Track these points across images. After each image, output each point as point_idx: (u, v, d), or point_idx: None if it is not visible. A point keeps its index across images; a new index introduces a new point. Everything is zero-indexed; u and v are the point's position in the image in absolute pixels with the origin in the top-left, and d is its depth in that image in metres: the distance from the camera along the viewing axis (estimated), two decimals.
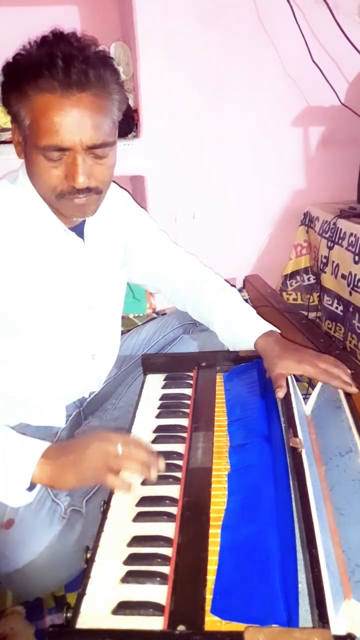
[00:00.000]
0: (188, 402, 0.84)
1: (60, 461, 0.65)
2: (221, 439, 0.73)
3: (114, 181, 0.96)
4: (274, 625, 0.46)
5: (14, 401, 0.86)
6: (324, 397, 0.81)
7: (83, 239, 0.85)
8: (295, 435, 0.67)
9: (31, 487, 0.67)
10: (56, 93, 0.66)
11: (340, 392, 0.78)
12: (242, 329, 0.91)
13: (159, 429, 0.77)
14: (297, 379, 0.85)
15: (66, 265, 0.83)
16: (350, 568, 0.52)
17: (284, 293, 1.73)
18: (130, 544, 0.57)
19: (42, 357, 0.85)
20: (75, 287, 0.85)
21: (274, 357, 0.82)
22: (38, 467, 0.65)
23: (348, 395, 0.78)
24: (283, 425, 0.73)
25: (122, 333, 1.09)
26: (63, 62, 0.65)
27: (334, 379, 0.79)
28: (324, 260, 1.55)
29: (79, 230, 0.84)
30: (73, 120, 0.67)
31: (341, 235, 1.47)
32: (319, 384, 0.82)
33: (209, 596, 0.51)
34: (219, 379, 0.90)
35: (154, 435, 0.76)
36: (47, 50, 0.66)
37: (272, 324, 0.91)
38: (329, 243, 1.52)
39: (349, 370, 0.82)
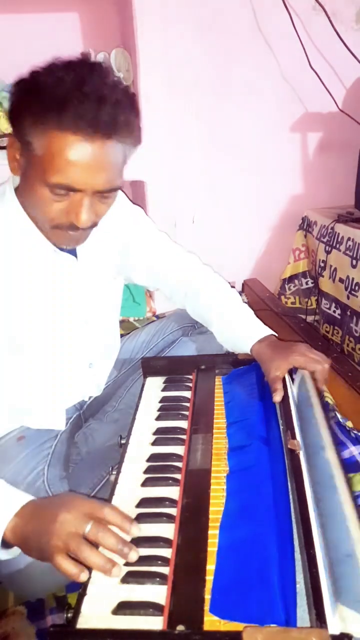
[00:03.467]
0: (187, 404, 0.84)
1: (29, 527, 0.58)
2: (220, 441, 0.74)
3: None
4: (272, 625, 0.46)
5: (14, 407, 0.86)
6: (300, 396, 0.81)
7: (75, 254, 0.83)
8: (293, 437, 0.67)
9: (7, 544, 0.60)
10: (79, 134, 0.62)
11: (311, 389, 0.79)
12: (239, 333, 0.91)
13: (159, 431, 0.78)
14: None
15: (59, 282, 0.82)
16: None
17: (283, 297, 1.74)
18: (127, 564, 0.58)
19: (40, 368, 0.85)
20: (69, 302, 0.84)
21: (268, 361, 0.82)
22: (10, 526, 0.59)
23: (319, 392, 0.79)
24: (281, 427, 0.73)
25: (122, 336, 1.09)
26: (95, 104, 0.60)
27: (318, 363, 0.81)
28: (322, 265, 1.56)
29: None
30: (91, 166, 0.64)
31: (339, 239, 1.48)
32: (296, 384, 0.83)
33: (207, 596, 0.51)
34: (218, 381, 0.90)
35: (154, 437, 0.77)
36: (76, 84, 0.61)
37: (271, 328, 0.92)
38: (327, 247, 1.53)
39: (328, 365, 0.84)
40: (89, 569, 0.54)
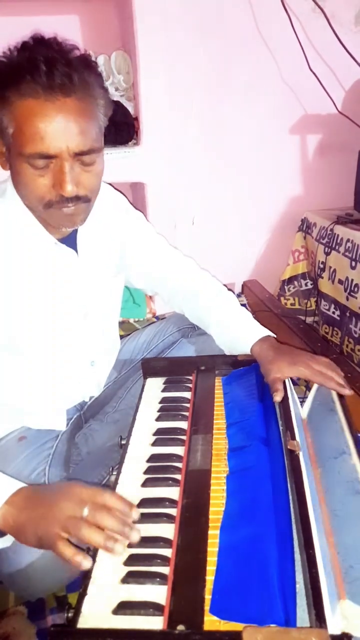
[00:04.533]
0: (187, 405, 0.85)
1: (24, 515, 0.57)
2: (220, 441, 0.74)
3: (109, 184, 0.97)
4: (272, 625, 0.46)
5: (14, 407, 0.87)
6: (318, 400, 0.82)
7: (76, 249, 0.83)
8: (293, 438, 0.68)
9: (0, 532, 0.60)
10: (39, 98, 0.64)
11: (334, 394, 0.79)
12: (238, 334, 0.91)
13: (159, 431, 0.78)
14: (295, 382, 0.85)
15: (60, 277, 0.82)
16: (344, 569, 0.53)
17: (282, 298, 1.75)
18: (130, 545, 0.58)
19: (41, 367, 0.85)
20: (70, 298, 0.85)
21: (269, 362, 0.82)
22: (1, 514, 0.58)
23: (341, 397, 0.78)
24: (281, 428, 0.74)
25: (122, 337, 1.10)
26: (46, 66, 0.63)
27: (329, 380, 0.80)
28: (321, 266, 1.57)
29: (71, 240, 0.82)
30: (58, 126, 0.64)
31: (338, 241, 1.48)
32: (314, 387, 0.83)
33: (208, 596, 0.51)
34: (218, 382, 0.90)
35: (154, 437, 0.77)
36: (29, 55, 0.64)
37: (270, 329, 0.92)
38: (326, 249, 1.53)
39: (342, 372, 0.83)
40: (89, 574, 0.54)
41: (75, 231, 0.83)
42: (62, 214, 0.72)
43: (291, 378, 0.82)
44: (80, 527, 0.54)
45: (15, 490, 0.60)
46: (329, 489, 0.63)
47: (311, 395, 0.83)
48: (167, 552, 0.57)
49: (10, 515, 0.58)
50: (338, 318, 1.52)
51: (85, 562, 0.53)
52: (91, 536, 0.53)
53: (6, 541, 0.62)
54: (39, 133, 0.65)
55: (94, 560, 0.56)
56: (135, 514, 0.57)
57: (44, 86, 0.63)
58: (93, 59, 0.72)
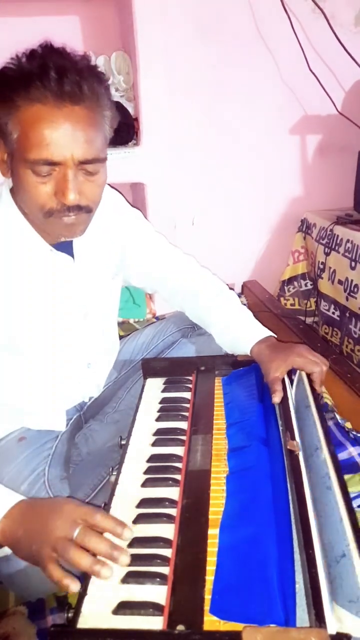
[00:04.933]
0: (187, 405, 0.85)
1: (21, 529, 0.58)
2: (220, 441, 0.74)
3: (107, 183, 0.96)
4: (271, 625, 0.47)
5: (14, 408, 0.87)
6: (297, 397, 0.82)
7: (72, 255, 0.83)
8: (293, 438, 0.68)
9: None
10: (48, 104, 0.64)
11: (308, 390, 0.80)
12: (238, 334, 0.91)
13: (159, 432, 0.78)
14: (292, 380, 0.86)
15: (56, 283, 0.82)
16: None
17: (282, 298, 1.75)
18: (130, 545, 0.58)
19: (41, 367, 0.85)
20: (69, 298, 0.85)
21: (267, 362, 0.83)
22: (0, 526, 0.59)
23: (315, 394, 0.79)
24: (280, 428, 0.74)
25: (122, 337, 1.10)
26: (56, 73, 0.63)
27: (316, 365, 0.81)
28: (321, 266, 1.57)
29: (67, 245, 0.82)
30: (65, 133, 0.64)
31: (338, 241, 1.48)
32: (294, 385, 0.84)
33: (207, 596, 0.51)
34: (218, 382, 0.91)
35: (154, 438, 0.77)
36: (39, 61, 0.64)
37: (270, 329, 0.92)
38: (326, 249, 1.53)
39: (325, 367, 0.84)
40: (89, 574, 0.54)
41: None
42: (62, 224, 0.71)
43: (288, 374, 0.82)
44: (69, 550, 0.54)
45: (14, 504, 0.60)
46: (312, 486, 0.63)
47: (293, 392, 0.83)
48: (167, 552, 0.57)
49: (8, 529, 0.58)
50: (338, 318, 1.52)
51: (73, 586, 0.52)
52: (79, 559, 0.53)
53: (2, 552, 0.63)
54: (45, 139, 0.65)
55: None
56: (128, 533, 0.57)
57: (53, 92, 0.63)
58: (100, 69, 0.72)
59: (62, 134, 0.65)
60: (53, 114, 0.64)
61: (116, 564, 0.54)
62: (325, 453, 0.65)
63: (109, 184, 0.95)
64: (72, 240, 0.82)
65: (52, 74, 0.63)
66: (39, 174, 0.67)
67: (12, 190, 0.76)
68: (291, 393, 0.80)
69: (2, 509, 0.60)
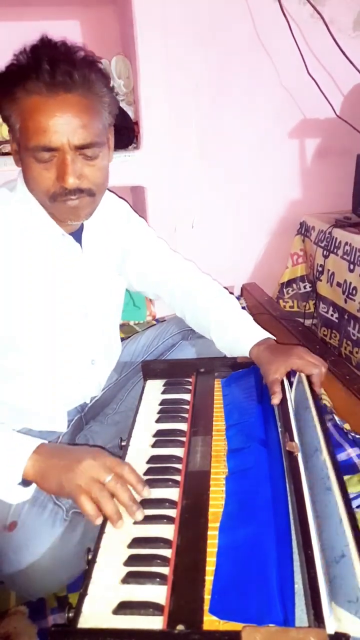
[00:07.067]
0: (187, 407, 0.85)
1: (51, 462, 0.65)
2: (219, 443, 0.75)
3: (113, 192, 0.98)
4: (270, 625, 0.47)
5: (15, 408, 0.87)
6: (297, 399, 0.82)
7: (81, 245, 0.86)
8: (292, 439, 0.68)
9: (25, 482, 0.66)
10: (42, 94, 0.68)
11: (307, 391, 0.80)
12: (237, 337, 0.92)
13: (159, 433, 0.78)
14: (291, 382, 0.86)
15: (64, 271, 0.84)
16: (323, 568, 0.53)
17: (281, 301, 1.76)
18: (130, 546, 0.59)
19: (42, 365, 0.86)
20: (72, 293, 0.86)
21: (266, 364, 0.83)
22: (29, 462, 0.65)
23: (315, 395, 0.79)
24: (280, 429, 0.74)
25: (122, 339, 1.10)
26: (49, 65, 0.67)
27: (315, 366, 0.82)
28: (320, 269, 1.58)
29: (76, 236, 0.85)
30: (60, 120, 0.68)
31: (336, 244, 1.49)
32: (293, 386, 0.84)
33: (207, 596, 0.52)
34: (217, 384, 0.91)
35: (154, 439, 0.77)
36: (34, 55, 0.69)
37: (269, 331, 0.93)
38: (325, 252, 1.54)
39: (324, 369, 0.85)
40: (89, 574, 0.55)
41: (81, 229, 0.85)
42: (66, 207, 0.75)
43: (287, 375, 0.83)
44: (103, 495, 0.61)
45: (42, 442, 0.67)
46: (312, 487, 0.63)
47: (293, 394, 0.84)
48: (167, 552, 0.57)
49: (37, 462, 0.65)
50: (336, 320, 1.52)
51: (98, 520, 0.61)
52: (106, 504, 0.61)
53: (27, 493, 0.68)
54: (42, 127, 0.69)
55: (94, 561, 0.57)
56: (147, 492, 0.64)
57: (46, 83, 0.68)
58: (98, 59, 0.75)
59: (57, 121, 0.69)
60: (48, 103, 0.68)
61: (131, 517, 0.61)
62: (324, 454, 0.65)
63: (110, 190, 0.96)
64: (81, 234, 0.86)
65: (45, 65, 0.67)
66: (40, 160, 0.71)
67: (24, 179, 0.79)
68: (290, 395, 0.80)
69: (32, 445, 0.66)
